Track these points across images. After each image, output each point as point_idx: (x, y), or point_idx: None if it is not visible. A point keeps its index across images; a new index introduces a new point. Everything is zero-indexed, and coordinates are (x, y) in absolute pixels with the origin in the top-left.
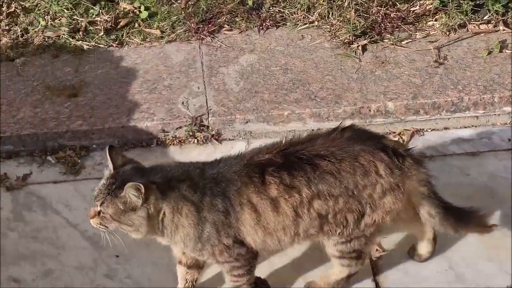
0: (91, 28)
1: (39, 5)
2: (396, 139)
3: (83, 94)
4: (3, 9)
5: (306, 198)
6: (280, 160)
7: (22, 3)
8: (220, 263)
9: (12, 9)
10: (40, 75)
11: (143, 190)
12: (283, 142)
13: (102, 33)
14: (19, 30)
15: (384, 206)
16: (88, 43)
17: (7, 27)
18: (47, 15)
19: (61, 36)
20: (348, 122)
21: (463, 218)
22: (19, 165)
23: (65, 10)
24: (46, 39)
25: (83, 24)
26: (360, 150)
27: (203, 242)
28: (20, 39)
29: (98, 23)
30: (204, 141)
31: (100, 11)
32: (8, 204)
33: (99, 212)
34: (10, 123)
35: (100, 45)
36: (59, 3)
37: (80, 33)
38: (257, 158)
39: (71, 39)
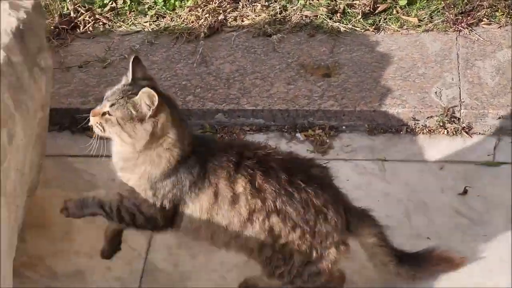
0: (349, 10)
1: None
2: None
3: (336, 75)
4: None
5: (267, 208)
6: (274, 162)
7: None
8: (136, 209)
9: None
10: (295, 53)
11: (156, 102)
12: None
13: (359, 17)
14: (277, 7)
15: (330, 257)
16: (345, 25)
17: (266, 3)
18: None
19: (318, 16)
20: None
21: (420, 261)
22: (268, 139)
23: None
24: (304, 18)
25: (341, 6)
26: (329, 198)
27: (153, 187)
28: (278, 16)
29: (357, 6)
30: (454, 132)
31: None
32: None
33: (104, 113)
34: (263, 97)
35: (357, 28)
36: None
37: (338, 14)
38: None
39: (328, 20)
